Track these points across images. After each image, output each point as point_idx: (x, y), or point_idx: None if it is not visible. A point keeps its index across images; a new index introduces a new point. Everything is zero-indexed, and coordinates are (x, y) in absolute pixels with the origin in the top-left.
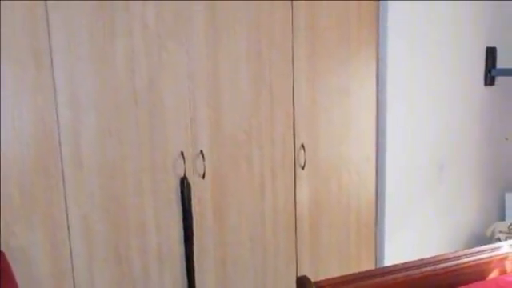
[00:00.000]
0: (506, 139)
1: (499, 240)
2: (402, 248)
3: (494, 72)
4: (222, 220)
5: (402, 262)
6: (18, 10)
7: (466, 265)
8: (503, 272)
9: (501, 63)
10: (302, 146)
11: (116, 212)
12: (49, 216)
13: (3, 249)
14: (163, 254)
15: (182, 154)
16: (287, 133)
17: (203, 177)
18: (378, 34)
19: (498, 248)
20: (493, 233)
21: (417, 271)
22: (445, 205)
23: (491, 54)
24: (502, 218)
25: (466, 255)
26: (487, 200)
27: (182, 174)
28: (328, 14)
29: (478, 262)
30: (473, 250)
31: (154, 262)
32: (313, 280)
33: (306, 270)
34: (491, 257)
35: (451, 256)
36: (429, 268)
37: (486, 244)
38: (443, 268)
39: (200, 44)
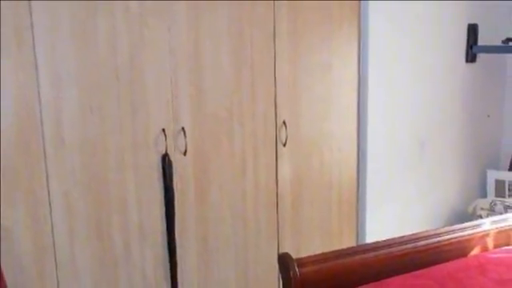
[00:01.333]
0: (488, 116)
1: (481, 217)
2: (383, 225)
3: (475, 49)
4: (204, 197)
5: (383, 238)
6: None
7: (447, 242)
8: (485, 249)
9: (482, 40)
10: (284, 122)
11: (97, 189)
12: (30, 193)
13: None
14: (144, 231)
15: (164, 131)
16: (269, 110)
17: (185, 154)
18: (360, 11)
19: (479, 225)
20: (474, 210)
21: (398, 248)
22: (426, 182)
23: (473, 30)
24: (484, 195)
25: (448, 232)
26: (469, 177)
27: (164, 151)
28: None
29: (459, 239)
30: (454, 227)
31: (135, 239)
32: (294, 257)
33: (287, 247)
34: (473, 234)
35: (432, 233)
36: (410, 245)
37: (467, 221)
38: (424, 245)
39: (181, 21)
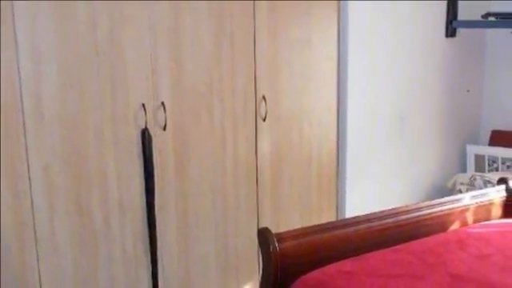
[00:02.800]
0: (468, 91)
1: (460, 192)
2: (363, 199)
3: (455, 24)
4: (183, 172)
5: (363, 213)
6: None
7: (427, 216)
8: (464, 224)
9: (462, 15)
10: (263, 97)
11: (77, 163)
12: (10, 168)
13: None
14: (124, 206)
15: (143, 105)
16: (248, 85)
17: (164, 128)
18: None
19: (459, 200)
20: (454, 185)
21: (378, 223)
22: (406, 156)
23: (452, 5)
24: (463, 169)
25: (428, 207)
26: (448, 152)
27: (143, 126)
28: None
29: (439, 213)
30: (434, 201)
31: (115, 214)
32: (274, 232)
33: (267, 222)
34: (452, 208)
35: (412, 208)
36: (390, 220)
37: (447, 196)
38: (404, 220)
39: None
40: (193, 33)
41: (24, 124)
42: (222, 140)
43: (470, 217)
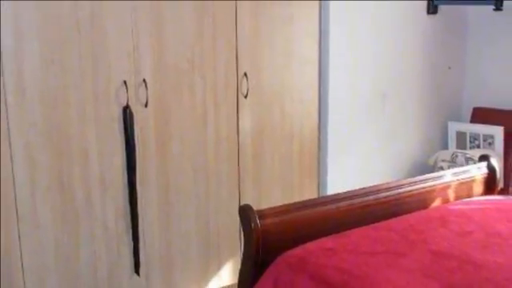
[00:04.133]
0: (449, 68)
1: (442, 169)
2: (344, 177)
3: (436, 1)
4: (165, 149)
5: (344, 190)
6: None
7: (408, 193)
8: (446, 201)
9: None
10: (245, 74)
11: (58, 140)
12: None
13: None
14: (106, 183)
15: (125, 82)
16: (230, 61)
17: (146, 105)
18: None
19: (440, 177)
20: (435, 162)
21: (359, 200)
22: (388, 133)
23: None
24: (445, 146)
25: (409, 184)
26: (430, 129)
27: (125, 103)
28: None
29: (420, 190)
30: (415, 178)
31: (96, 191)
32: (255, 208)
33: (248, 199)
34: (434, 185)
35: (394, 185)
36: (371, 197)
37: (428, 173)
38: (386, 197)
39: None
40: (174, 9)
41: (6, 101)
42: (204, 117)
43: (451, 194)
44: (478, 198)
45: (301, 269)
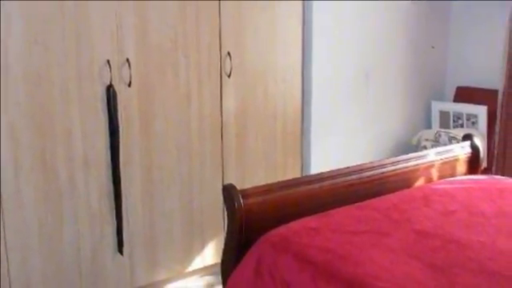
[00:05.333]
0: (432, 47)
1: (425, 148)
2: (328, 156)
3: None
4: (148, 128)
5: (328, 170)
6: None
7: (391, 173)
8: (429, 180)
9: None
10: (228, 53)
11: (42, 120)
12: None
13: None
14: (89, 162)
15: (108, 62)
16: (213, 41)
17: (129, 85)
18: None
19: (424, 156)
20: (419, 141)
21: (343, 179)
22: (371, 113)
23: None
24: (428, 126)
25: (392, 163)
26: (413, 108)
27: (108, 83)
28: None
29: (403, 170)
30: (399, 158)
31: (80, 170)
32: (239, 188)
33: (232, 178)
34: (417, 165)
35: (377, 164)
36: (355, 176)
37: (412, 152)
38: (369, 176)
39: None
40: None
41: None
42: (187, 96)
43: (434, 173)
44: (462, 177)
45: (284, 248)
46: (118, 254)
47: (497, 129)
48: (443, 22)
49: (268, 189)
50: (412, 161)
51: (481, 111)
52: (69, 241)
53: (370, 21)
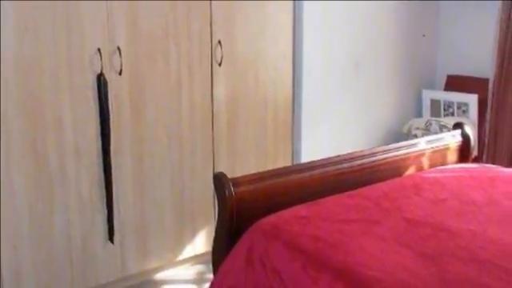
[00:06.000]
0: (423, 36)
1: (416, 136)
2: (318, 145)
3: None
4: (139, 116)
5: (318, 158)
6: None
7: (382, 161)
8: (420, 169)
9: None
10: (219, 42)
11: (33, 108)
12: None
13: None
14: (80, 150)
15: (99, 50)
16: (204, 29)
17: (120, 73)
18: None
19: (414, 144)
20: (409, 129)
21: (333, 168)
22: (362, 102)
23: None
24: (419, 114)
25: (383, 152)
26: (404, 97)
27: (99, 71)
28: None
29: (394, 158)
30: (389, 146)
31: (70, 158)
32: (230, 176)
33: (222, 167)
34: (408, 153)
35: (368, 153)
36: (345, 165)
37: (402, 141)
38: (360, 165)
39: None
40: None
41: None
42: (178, 85)
43: (425, 162)
44: (452, 165)
45: (275, 236)
46: (109, 243)
47: (487, 117)
48: (434, 10)
49: (259, 177)
50: (403, 149)
51: (471, 100)
52: (59, 229)
53: (361, 9)
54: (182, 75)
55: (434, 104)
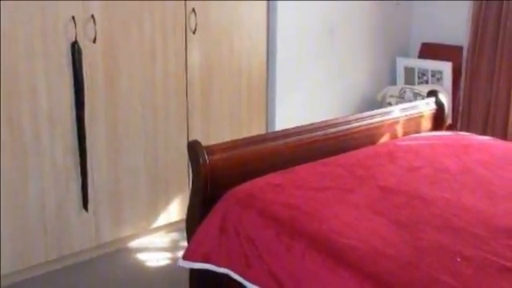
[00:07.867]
0: (397, 3)
1: (390, 104)
2: (293, 112)
3: None
4: (113, 84)
5: (292, 126)
6: None
7: (356, 129)
8: (394, 136)
9: None
10: (193, 10)
11: (7, 77)
12: None
13: None
14: (54, 119)
15: (73, 18)
16: None
17: (94, 41)
18: None
19: (388, 112)
20: (384, 97)
21: (307, 136)
22: (336, 69)
23: None
24: (393, 82)
25: (357, 120)
26: (378, 64)
27: (73, 39)
28: None
29: (368, 126)
30: (363, 114)
31: (45, 127)
32: (204, 144)
33: (197, 135)
34: (382, 121)
35: (342, 121)
36: (319, 132)
37: (376, 108)
38: (334, 132)
39: None
40: None
41: None
42: (152, 53)
43: (399, 129)
44: (427, 133)
45: (249, 204)
46: (83, 211)
47: (462, 85)
48: None
49: (233, 145)
50: (377, 117)
51: (446, 67)
52: (34, 197)
53: None
54: (156, 43)
55: (408, 72)
